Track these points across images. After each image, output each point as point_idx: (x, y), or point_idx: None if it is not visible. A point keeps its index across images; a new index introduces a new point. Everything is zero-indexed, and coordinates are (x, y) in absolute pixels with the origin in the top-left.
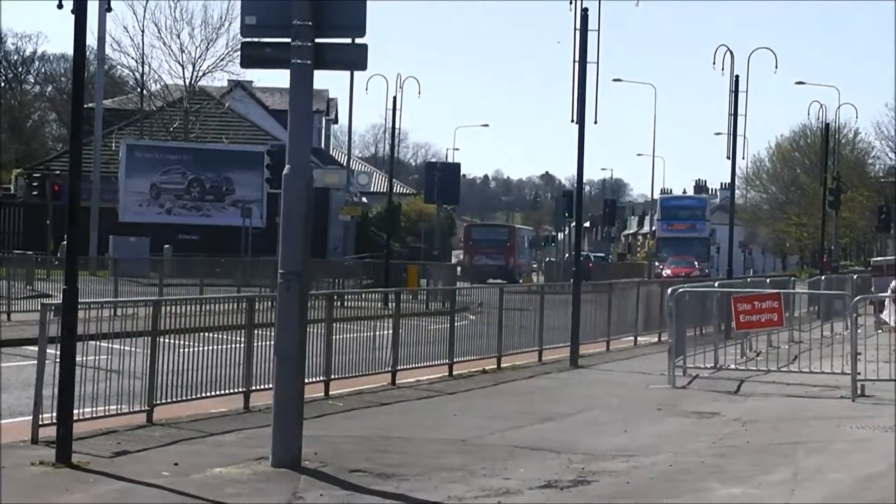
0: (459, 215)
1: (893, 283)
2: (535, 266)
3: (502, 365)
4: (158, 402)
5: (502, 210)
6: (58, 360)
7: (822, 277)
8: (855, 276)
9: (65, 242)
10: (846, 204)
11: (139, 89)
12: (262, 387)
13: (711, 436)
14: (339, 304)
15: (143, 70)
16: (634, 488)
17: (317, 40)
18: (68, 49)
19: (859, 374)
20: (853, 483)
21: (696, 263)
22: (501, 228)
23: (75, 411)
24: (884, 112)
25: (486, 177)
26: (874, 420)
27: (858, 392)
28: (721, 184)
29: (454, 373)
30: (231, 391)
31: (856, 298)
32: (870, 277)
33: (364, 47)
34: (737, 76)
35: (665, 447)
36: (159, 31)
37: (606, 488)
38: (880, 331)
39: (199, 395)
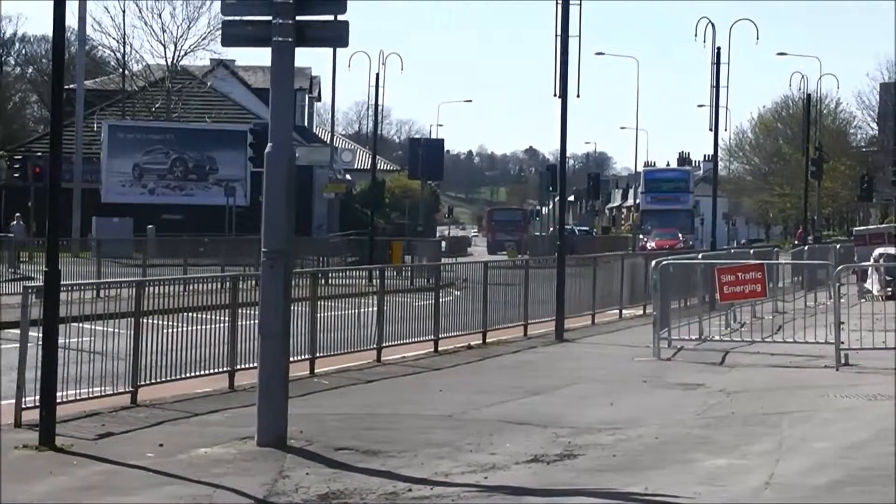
0: (444, 191)
1: (876, 253)
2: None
3: (488, 340)
4: (142, 383)
5: (487, 185)
6: (40, 342)
7: (806, 247)
8: (838, 246)
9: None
10: (828, 174)
11: (121, 69)
12: (246, 366)
13: (697, 407)
14: (323, 281)
15: (124, 50)
16: (621, 461)
17: (298, 18)
18: (49, 30)
19: (843, 343)
20: (838, 451)
21: (680, 235)
22: (517, 211)
23: (59, 394)
24: (865, 82)
25: (469, 152)
26: (858, 389)
27: (842, 361)
28: (704, 156)
29: (440, 349)
30: (216, 371)
31: (839, 268)
32: (852, 247)
33: (345, 24)
34: (718, 48)
35: (651, 419)
36: (140, 11)
37: (593, 461)
38: (863, 300)
39: (183, 376)
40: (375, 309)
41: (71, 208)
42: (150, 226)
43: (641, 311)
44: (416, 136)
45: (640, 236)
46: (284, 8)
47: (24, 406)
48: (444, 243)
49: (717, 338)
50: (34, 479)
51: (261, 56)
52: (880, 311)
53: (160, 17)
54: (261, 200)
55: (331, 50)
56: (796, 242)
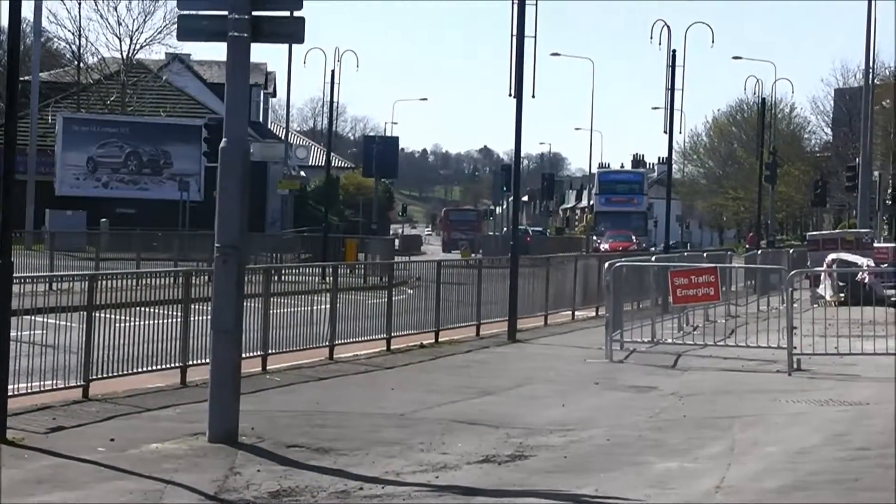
0: (398, 189)
1: (829, 258)
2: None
3: (440, 339)
4: (94, 377)
5: (441, 184)
6: None
7: (759, 252)
8: (791, 251)
9: None
10: (782, 178)
11: (76, 62)
12: (198, 361)
13: (648, 410)
14: (276, 278)
15: (79, 42)
16: (572, 462)
17: (254, 13)
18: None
19: (795, 348)
20: (788, 456)
21: (633, 238)
22: (471, 212)
23: (10, 387)
24: (819, 87)
25: (424, 151)
26: (810, 394)
27: (794, 366)
28: (658, 158)
29: (392, 347)
30: (168, 366)
31: (791, 272)
32: (806, 252)
33: (301, 20)
34: (674, 51)
35: (602, 421)
36: (96, 4)
37: (544, 462)
38: (816, 305)
39: (135, 370)
40: (328, 306)
41: (24, 200)
42: (103, 219)
43: (594, 313)
44: (371, 134)
45: (594, 238)
46: (241, 3)
47: None
48: (397, 241)
49: (669, 341)
50: None
51: (216, 51)
52: (833, 317)
53: (116, 11)
54: (215, 195)
55: (287, 46)
56: (748, 247)
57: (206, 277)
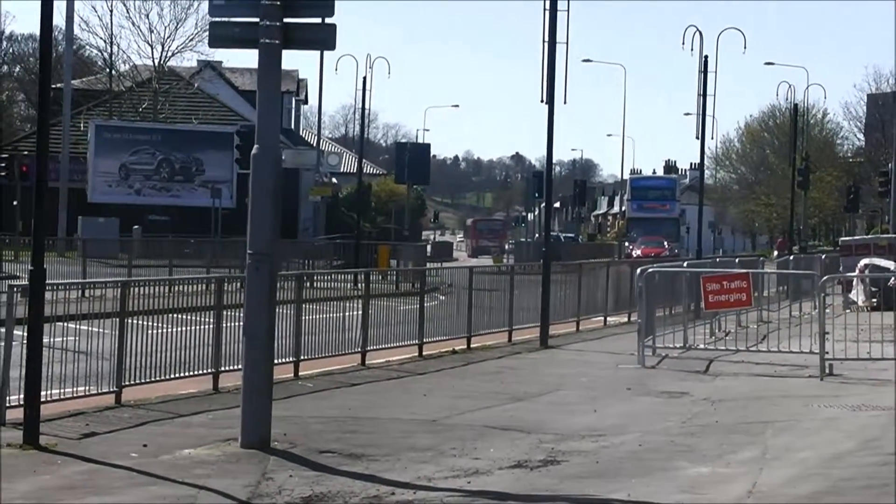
0: (430, 196)
1: (861, 263)
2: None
3: (472, 345)
4: (127, 383)
5: (472, 191)
6: (25, 341)
7: (791, 257)
8: (823, 256)
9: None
10: (815, 184)
11: (108, 69)
12: (231, 368)
13: (681, 415)
14: (308, 284)
15: (111, 50)
16: (604, 468)
17: (285, 20)
18: (36, 29)
19: (827, 353)
20: (821, 461)
21: (665, 244)
22: (497, 221)
23: (43, 393)
24: (852, 93)
25: (456, 157)
26: (842, 399)
27: (826, 371)
28: (691, 164)
29: (424, 353)
30: (200, 372)
31: (824, 278)
32: (838, 257)
33: (333, 27)
34: (706, 56)
35: (634, 427)
36: (128, 11)
37: (576, 468)
38: (848, 310)
39: (168, 377)
40: (360, 312)
41: (57, 208)
42: (135, 226)
43: (626, 319)
44: (403, 141)
45: (626, 244)
46: (272, 10)
47: (8, 405)
48: (429, 248)
49: (701, 346)
50: (17, 478)
51: (248, 58)
52: (865, 322)
53: (147, 18)
54: (247, 202)
55: (318, 53)
56: (777, 253)
57: (238, 284)
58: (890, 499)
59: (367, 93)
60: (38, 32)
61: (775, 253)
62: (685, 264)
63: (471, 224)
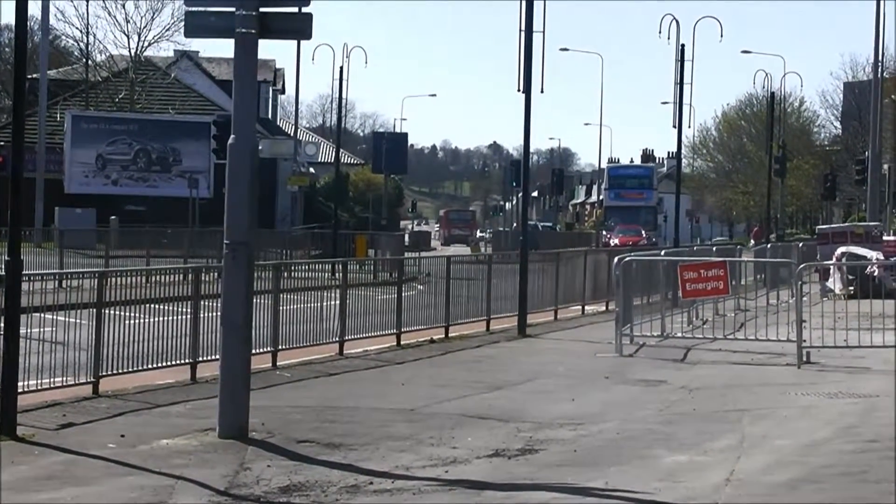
0: (407, 185)
1: (839, 251)
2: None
3: (450, 334)
4: (104, 373)
5: (450, 180)
6: (1, 332)
7: (769, 245)
8: (800, 244)
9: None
10: (792, 172)
11: (84, 60)
12: (209, 358)
13: (658, 403)
14: (286, 274)
15: (87, 40)
16: (581, 456)
17: (261, 9)
18: (11, 19)
19: (804, 341)
20: (798, 449)
21: (643, 232)
22: (467, 212)
23: (20, 383)
24: (828, 81)
25: (434, 147)
26: (819, 387)
27: (804, 359)
28: (668, 153)
29: (402, 343)
30: (178, 362)
31: (801, 266)
32: (815, 245)
33: (309, 16)
34: (683, 45)
35: (612, 415)
36: (104, 1)
37: (554, 456)
38: (825, 298)
39: (145, 367)
40: (338, 302)
41: (34, 198)
42: (112, 217)
43: (604, 308)
44: (380, 130)
45: (604, 232)
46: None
47: None
48: (407, 237)
49: (679, 335)
50: None
51: (225, 48)
52: (842, 310)
53: (124, 8)
54: (224, 192)
55: (295, 42)
56: (753, 242)
57: (216, 274)
58: (867, 486)
59: (345, 82)
60: (13, 23)
61: (751, 242)
62: (662, 253)
63: (443, 214)
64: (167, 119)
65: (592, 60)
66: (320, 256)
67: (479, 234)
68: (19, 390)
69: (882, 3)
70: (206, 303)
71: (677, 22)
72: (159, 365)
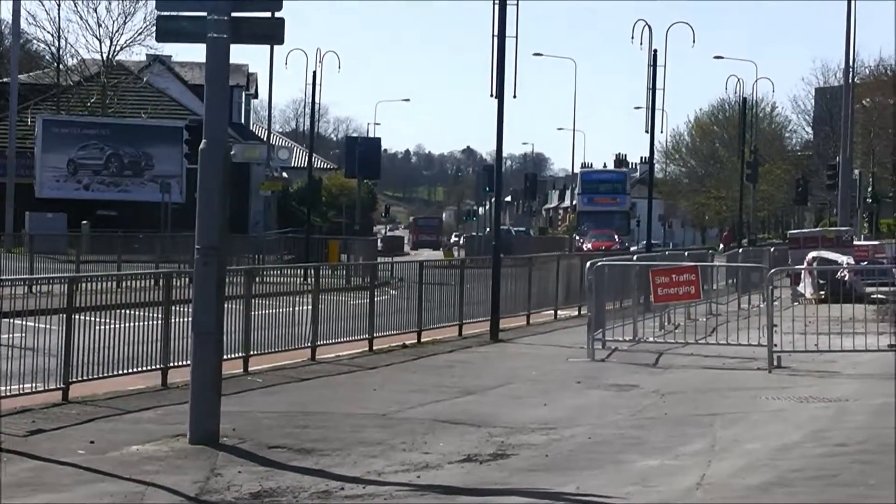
0: (381, 190)
1: (810, 256)
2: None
3: (423, 339)
4: (75, 379)
5: (424, 185)
6: None
7: (740, 250)
8: (772, 249)
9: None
10: (764, 177)
11: (56, 64)
12: (180, 363)
13: (630, 408)
14: (258, 279)
15: (59, 44)
16: (553, 461)
17: (234, 14)
18: None
19: (776, 345)
20: (769, 453)
21: (616, 237)
22: (434, 219)
23: None
24: (800, 86)
25: (407, 151)
26: (790, 391)
27: (775, 363)
28: (641, 158)
29: (374, 348)
30: (149, 368)
31: (772, 271)
32: (787, 250)
33: (281, 21)
34: (655, 50)
35: (584, 420)
36: (76, 5)
37: (526, 461)
38: (797, 303)
39: (116, 373)
40: (310, 307)
41: (4, 203)
42: (84, 221)
43: (577, 312)
44: (354, 135)
45: (577, 237)
46: (220, 4)
47: None
48: (380, 242)
49: (651, 339)
50: None
51: (197, 52)
52: (813, 314)
53: (96, 12)
54: (196, 197)
55: (268, 47)
56: (722, 246)
57: (188, 279)
58: (838, 489)
59: (318, 87)
60: None
61: (721, 246)
62: (635, 258)
63: (412, 221)
64: (139, 123)
65: (566, 65)
66: (293, 261)
67: (453, 238)
68: None
69: (853, 9)
70: (178, 308)
71: (650, 27)
72: (130, 370)
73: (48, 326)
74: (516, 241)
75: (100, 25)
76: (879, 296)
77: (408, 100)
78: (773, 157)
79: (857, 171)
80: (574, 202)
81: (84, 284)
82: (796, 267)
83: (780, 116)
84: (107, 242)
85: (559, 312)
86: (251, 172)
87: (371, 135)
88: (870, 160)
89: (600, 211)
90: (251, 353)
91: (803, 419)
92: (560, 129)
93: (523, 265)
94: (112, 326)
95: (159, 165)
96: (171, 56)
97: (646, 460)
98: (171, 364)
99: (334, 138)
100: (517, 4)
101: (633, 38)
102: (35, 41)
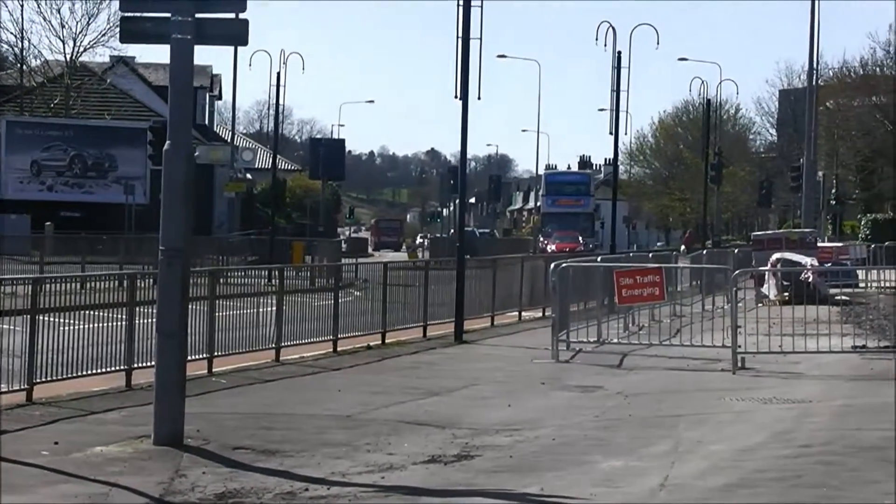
0: (345, 191)
1: (774, 258)
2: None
3: (387, 341)
4: (38, 380)
5: (388, 186)
6: None
7: (704, 252)
8: (736, 251)
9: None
10: (728, 179)
11: (19, 65)
12: (144, 364)
13: (595, 409)
14: (222, 280)
15: (22, 45)
16: (518, 462)
17: (197, 15)
18: None
19: (739, 347)
20: (733, 454)
21: (580, 238)
22: (396, 221)
23: None
24: (764, 88)
25: (371, 153)
26: (754, 392)
27: (739, 365)
28: (605, 159)
29: (339, 349)
30: (113, 369)
31: (736, 272)
32: (751, 251)
33: (245, 22)
34: (619, 52)
35: (549, 421)
36: (39, 6)
37: (490, 462)
38: (760, 304)
39: (80, 374)
40: (275, 309)
41: None
42: (48, 223)
43: (541, 314)
44: (318, 136)
45: (541, 238)
46: (184, 5)
47: None
48: (344, 244)
49: (615, 340)
50: None
51: (161, 53)
52: (777, 316)
53: (59, 13)
54: (160, 198)
55: (232, 48)
56: (684, 248)
57: (152, 280)
58: (802, 490)
59: (282, 88)
60: None
61: (682, 248)
62: (599, 259)
63: (374, 223)
64: (103, 125)
65: (530, 67)
66: (257, 263)
67: (418, 240)
68: None
69: (817, 11)
70: (142, 309)
71: (614, 29)
72: (94, 371)
73: (12, 327)
74: (481, 243)
75: (63, 26)
76: (843, 297)
77: (372, 101)
78: (738, 159)
79: (820, 173)
80: (538, 204)
81: (48, 285)
82: (761, 268)
83: (744, 118)
84: (71, 244)
85: (523, 314)
86: (215, 174)
87: (335, 136)
88: (833, 162)
89: (564, 213)
90: (215, 354)
91: (767, 420)
92: (524, 130)
93: (488, 266)
94: (76, 327)
95: (123, 167)
96: (134, 57)
97: (610, 461)
98: (136, 365)
99: (298, 140)
100: (481, 6)
101: (597, 39)
102: None
